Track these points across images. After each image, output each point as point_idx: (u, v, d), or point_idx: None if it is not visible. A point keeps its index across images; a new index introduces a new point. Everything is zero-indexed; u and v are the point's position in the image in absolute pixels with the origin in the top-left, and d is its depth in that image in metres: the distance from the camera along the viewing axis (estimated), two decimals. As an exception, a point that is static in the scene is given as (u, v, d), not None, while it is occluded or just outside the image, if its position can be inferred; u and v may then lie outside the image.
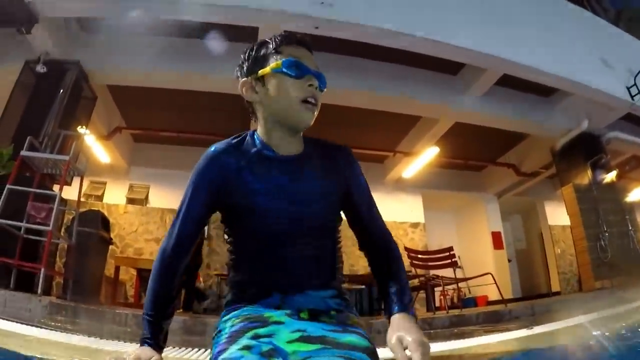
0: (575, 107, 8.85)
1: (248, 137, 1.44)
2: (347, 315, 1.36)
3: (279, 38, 1.41)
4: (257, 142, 1.42)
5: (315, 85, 1.37)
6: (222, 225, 1.46)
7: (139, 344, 1.35)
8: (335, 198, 1.43)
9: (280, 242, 1.35)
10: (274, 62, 1.37)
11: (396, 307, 1.31)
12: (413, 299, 1.46)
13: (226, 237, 1.45)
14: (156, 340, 1.35)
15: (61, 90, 6.77)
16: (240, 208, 1.36)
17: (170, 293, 1.39)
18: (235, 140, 1.42)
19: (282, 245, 1.35)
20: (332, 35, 6.71)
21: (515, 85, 8.51)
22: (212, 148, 1.40)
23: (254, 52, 1.44)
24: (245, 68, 1.44)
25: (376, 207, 1.53)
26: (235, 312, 1.34)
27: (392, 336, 1.17)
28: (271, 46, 1.41)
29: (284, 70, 1.35)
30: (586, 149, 9.05)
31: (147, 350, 1.31)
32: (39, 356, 2.54)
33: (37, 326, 3.70)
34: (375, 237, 1.49)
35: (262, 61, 1.40)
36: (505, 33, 7.22)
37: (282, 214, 1.34)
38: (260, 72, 1.39)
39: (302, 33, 1.46)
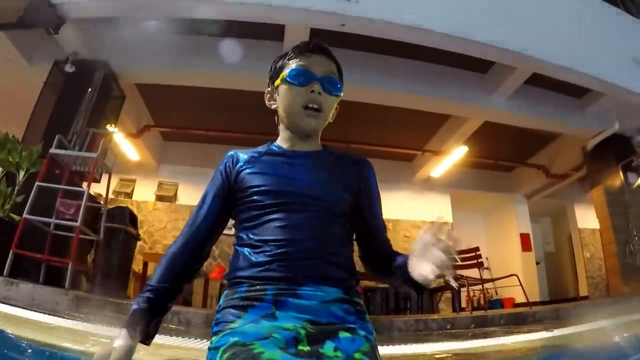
0: (607, 108, 8.61)
1: (265, 145, 1.54)
2: (355, 338, 1.22)
3: (295, 49, 1.49)
4: (271, 144, 1.53)
5: (318, 90, 1.41)
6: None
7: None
8: (341, 189, 1.41)
9: (281, 226, 1.30)
10: (282, 74, 1.46)
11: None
12: None
13: (233, 234, 1.43)
14: (134, 321, 1.27)
15: (89, 90, 6.90)
16: (242, 195, 1.39)
17: (182, 274, 1.40)
18: (252, 148, 1.53)
19: (283, 228, 1.30)
20: (359, 32, 6.69)
21: (546, 84, 8.34)
22: (231, 150, 1.52)
23: (275, 64, 1.54)
24: (269, 78, 1.55)
25: (383, 221, 1.54)
26: (224, 335, 1.20)
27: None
28: (287, 57, 1.49)
29: (288, 79, 1.43)
30: (617, 151, 8.82)
31: (118, 343, 1.22)
32: (63, 344, 2.59)
33: (62, 317, 3.78)
34: (379, 247, 1.48)
35: (279, 72, 1.49)
36: (535, 31, 7.06)
37: (282, 195, 1.34)
38: (276, 82, 1.48)
39: (318, 42, 1.51)
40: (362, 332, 1.24)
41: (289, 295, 1.23)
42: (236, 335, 1.17)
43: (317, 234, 1.31)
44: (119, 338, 1.23)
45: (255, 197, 1.36)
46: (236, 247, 1.37)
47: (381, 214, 1.53)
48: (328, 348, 1.16)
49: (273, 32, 6.96)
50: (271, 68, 1.54)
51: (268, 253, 1.27)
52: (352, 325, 1.25)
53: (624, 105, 8.28)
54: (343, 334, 1.21)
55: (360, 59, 7.69)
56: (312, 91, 1.41)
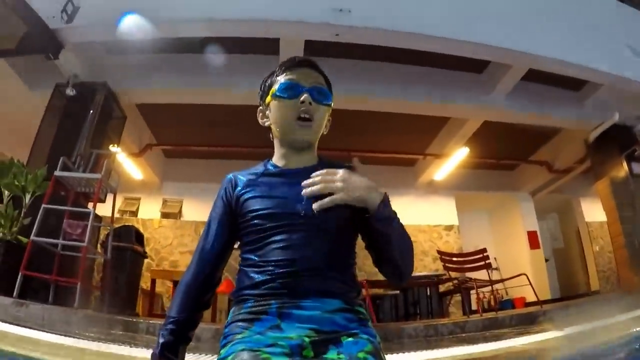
0: (606, 99, 8.60)
1: (262, 163, 1.58)
2: (357, 341, 1.26)
3: (281, 66, 1.54)
4: (268, 163, 1.56)
5: (307, 101, 1.44)
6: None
7: None
8: (339, 207, 1.36)
9: (282, 247, 1.33)
10: (274, 88, 1.50)
11: None
12: (394, 215, 1.33)
13: (239, 256, 1.48)
14: (164, 353, 1.36)
15: (91, 111, 6.98)
16: (243, 220, 1.42)
17: (198, 300, 1.44)
18: (249, 168, 1.56)
19: (284, 249, 1.33)
20: (353, 41, 6.77)
21: (543, 79, 8.36)
22: (229, 174, 1.55)
23: (264, 83, 1.58)
24: (259, 97, 1.60)
25: None
26: (232, 345, 1.25)
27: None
28: (275, 74, 1.54)
29: (278, 94, 1.48)
30: (620, 142, 8.76)
31: None
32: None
33: (73, 337, 3.81)
34: None
35: (268, 89, 1.54)
36: (527, 26, 7.11)
37: (281, 218, 1.36)
38: (267, 99, 1.53)
39: (302, 57, 1.55)
40: (364, 336, 1.28)
41: (292, 307, 1.28)
42: (243, 344, 1.22)
43: (316, 252, 1.33)
44: None
45: (256, 221, 1.38)
46: (241, 267, 1.41)
47: None
48: (332, 353, 1.21)
49: (268, 46, 7.03)
50: (261, 87, 1.59)
51: (270, 272, 1.31)
52: (355, 331, 1.29)
53: (623, 95, 8.28)
54: (346, 339, 1.25)
55: (356, 68, 7.76)
56: (303, 102, 1.44)
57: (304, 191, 1.26)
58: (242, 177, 1.51)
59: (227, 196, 1.49)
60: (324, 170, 1.28)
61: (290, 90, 1.46)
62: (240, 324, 1.30)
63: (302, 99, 1.43)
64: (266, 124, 1.55)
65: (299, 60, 1.53)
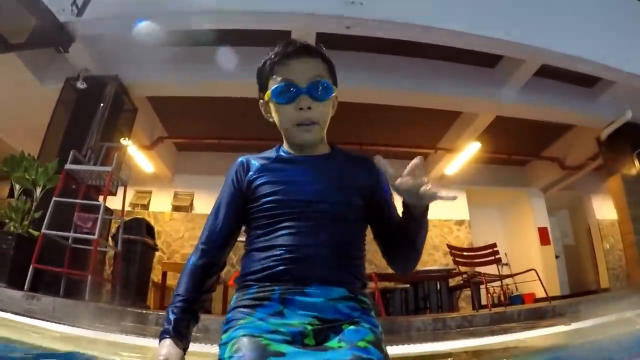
0: (619, 96, 8.50)
1: (274, 149, 1.53)
2: (359, 329, 1.26)
3: (272, 57, 1.44)
4: (280, 148, 1.52)
5: (306, 105, 1.38)
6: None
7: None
8: (352, 193, 1.40)
9: (289, 234, 1.32)
10: (268, 89, 1.43)
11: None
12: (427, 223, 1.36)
13: (245, 240, 1.47)
14: (177, 328, 1.31)
15: (102, 104, 7.01)
16: (253, 205, 1.40)
17: (204, 282, 1.42)
18: (261, 152, 1.52)
19: (291, 235, 1.32)
20: (364, 34, 6.71)
21: (556, 75, 8.25)
22: (241, 157, 1.51)
23: (259, 73, 1.50)
24: (258, 88, 1.52)
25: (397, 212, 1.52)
26: (234, 330, 1.25)
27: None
28: (267, 68, 1.45)
29: (274, 99, 1.41)
30: (632, 139, 8.71)
31: (167, 349, 1.27)
32: (85, 352, 2.64)
33: (84, 328, 3.83)
34: (393, 225, 1.44)
35: (264, 84, 1.47)
36: (541, 21, 7.02)
37: (292, 204, 1.35)
38: (265, 97, 1.46)
39: (296, 43, 1.44)
40: (366, 325, 1.27)
41: (295, 294, 1.27)
42: (245, 329, 1.22)
43: (324, 240, 1.31)
44: (167, 347, 1.28)
45: (266, 206, 1.37)
46: (247, 252, 1.40)
47: (395, 208, 1.50)
48: (332, 341, 1.21)
49: (280, 38, 6.97)
50: (257, 78, 1.51)
51: (276, 257, 1.30)
52: (357, 320, 1.28)
53: (636, 93, 8.16)
54: (347, 327, 1.25)
55: (368, 61, 7.71)
56: (301, 108, 1.38)
57: (422, 189, 1.20)
58: (255, 162, 1.47)
59: (238, 180, 1.46)
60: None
61: (286, 94, 1.39)
62: (243, 309, 1.30)
63: (300, 105, 1.37)
64: (270, 119, 1.50)
65: (292, 50, 1.42)
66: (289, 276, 1.28)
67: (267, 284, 1.30)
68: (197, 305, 1.39)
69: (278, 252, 1.30)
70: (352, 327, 1.25)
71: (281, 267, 1.29)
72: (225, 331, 1.29)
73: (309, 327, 1.23)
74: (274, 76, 1.42)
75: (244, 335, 1.19)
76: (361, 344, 1.18)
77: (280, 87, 1.39)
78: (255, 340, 1.16)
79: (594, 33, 7.36)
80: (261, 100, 1.51)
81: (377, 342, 1.22)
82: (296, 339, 1.21)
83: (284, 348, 1.15)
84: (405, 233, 1.36)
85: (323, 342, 1.21)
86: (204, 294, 1.42)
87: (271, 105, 1.45)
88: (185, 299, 1.36)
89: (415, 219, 1.30)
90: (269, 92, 1.42)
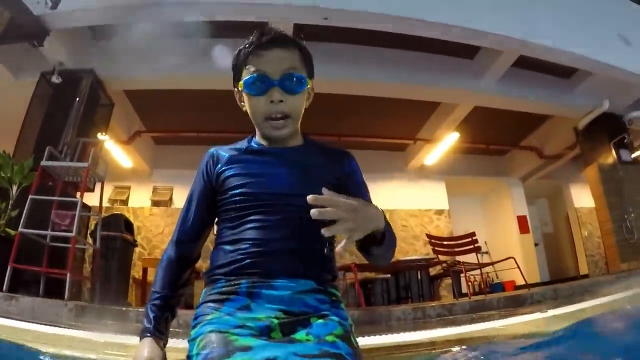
0: (596, 87, 8.63)
1: (246, 139, 1.53)
2: (327, 323, 1.24)
3: (247, 47, 1.42)
4: (251, 139, 1.51)
5: (278, 98, 1.36)
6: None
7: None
8: (322, 186, 1.24)
9: (257, 227, 1.32)
10: (242, 79, 1.41)
11: None
12: (390, 235, 1.31)
13: (215, 233, 1.47)
14: (157, 327, 1.34)
15: (77, 99, 6.86)
16: (222, 197, 1.41)
17: (180, 275, 1.44)
18: (233, 144, 1.52)
19: (259, 229, 1.31)
20: (342, 25, 6.68)
21: (534, 66, 8.36)
22: (211, 148, 1.51)
23: (233, 64, 1.48)
24: (233, 77, 1.50)
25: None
26: (201, 326, 1.25)
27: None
28: (241, 58, 1.43)
29: (246, 90, 1.40)
30: (609, 130, 8.89)
31: (150, 348, 1.29)
32: (66, 352, 2.60)
33: (63, 327, 3.79)
34: None
35: (238, 73, 1.45)
36: (519, 13, 7.06)
37: (260, 197, 1.34)
38: (239, 86, 1.44)
39: (271, 32, 1.42)
40: (335, 318, 1.27)
41: (262, 287, 1.26)
42: (212, 325, 1.22)
43: (292, 233, 1.30)
44: (149, 347, 1.30)
45: (235, 199, 1.37)
46: (216, 245, 1.40)
47: (370, 201, 1.46)
48: (300, 334, 1.20)
49: (258, 29, 6.92)
50: (232, 67, 1.49)
51: (243, 251, 1.30)
52: (325, 313, 1.28)
53: (613, 83, 8.30)
54: (315, 320, 1.25)
55: (347, 52, 7.69)
56: (272, 101, 1.36)
57: (312, 213, 1.08)
58: (224, 153, 1.47)
59: (207, 172, 1.46)
60: (331, 196, 1.12)
61: (258, 86, 1.37)
62: (210, 304, 1.30)
63: (271, 98, 1.36)
64: (244, 109, 1.49)
65: (266, 40, 1.39)
66: (256, 269, 1.28)
67: (234, 277, 1.29)
68: (174, 300, 1.41)
69: (245, 246, 1.31)
70: (320, 320, 1.25)
71: (248, 261, 1.29)
72: (194, 327, 1.29)
73: (275, 321, 1.22)
74: (247, 66, 1.41)
75: (211, 332, 1.19)
76: (329, 338, 1.18)
77: (252, 78, 1.38)
78: (222, 336, 1.16)
79: (571, 24, 7.44)
80: (236, 90, 1.50)
81: (346, 336, 1.22)
82: (263, 332, 1.20)
83: (251, 342, 1.13)
84: (372, 252, 1.32)
85: (290, 335, 1.21)
86: (181, 288, 1.44)
87: (244, 96, 1.44)
88: (162, 296, 1.38)
89: (375, 247, 1.28)
90: (241, 83, 1.41)
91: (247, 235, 1.31)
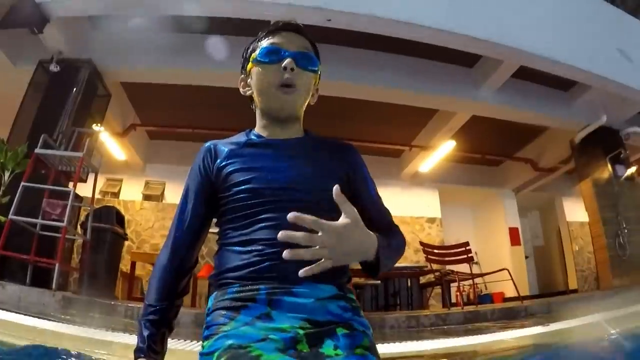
0: (594, 101, 8.67)
1: (244, 133, 1.46)
2: (353, 334, 1.18)
3: (264, 31, 1.42)
4: (250, 132, 1.44)
5: (290, 66, 1.32)
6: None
7: None
8: (330, 179, 1.20)
9: (271, 226, 1.21)
10: (254, 58, 1.38)
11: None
12: (392, 251, 1.28)
13: (217, 232, 1.37)
14: (152, 346, 1.24)
15: (74, 89, 6.81)
16: (225, 195, 1.31)
17: (178, 285, 1.34)
18: (229, 138, 1.44)
19: (273, 228, 1.19)
20: (345, 27, 6.65)
21: (533, 78, 8.36)
22: (208, 142, 1.42)
23: (245, 51, 1.46)
24: (241, 66, 1.47)
25: (384, 206, 1.47)
26: (217, 339, 1.15)
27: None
28: (257, 39, 1.42)
29: (259, 58, 1.36)
30: (605, 144, 8.90)
31: None
32: (50, 347, 2.55)
33: (50, 319, 3.73)
34: (380, 224, 1.35)
35: (250, 55, 1.42)
36: (521, 24, 7.09)
37: (267, 193, 1.26)
38: (248, 66, 1.41)
39: (288, 21, 1.43)
40: (360, 327, 1.21)
41: (283, 294, 1.17)
42: (231, 338, 1.12)
43: (309, 231, 1.19)
44: None
45: (241, 196, 1.27)
46: (222, 247, 1.30)
47: (379, 198, 1.47)
48: (328, 347, 1.12)
49: (259, 28, 6.91)
50: (243, 54, 1.47)
51: (259, 252, 1.20)
52: (350, 321, 1.21)
53: (611, 98, 8.34)
54: (341, 331, 1.17)
55: (347, 55, 7.67)
56: (285, 68, 1.32)
57: (280, 235, 1.00)
58: (223, 147, 1.38)
59: (205, 167, 1.36)
60: (307, 235, 1.02)
61: (273, 55, 1.34)
62: (224, 312, 1.19)
63: (284, 64, 1.32)
64: (247, 93, 1.44)
65: (284, 23, 1.40)
66: (274, 273, 1.18)
67: (250, 282, 1.19)
68: (171, 313, 1.31)
69: (259, 247, 1.20)
70: (346, 331, 1.17)
71: (267, 263, 1.18)
72: (206, 337, 1.19)
73: (301, 332, 1.13)
74: (262, 43, 1.39)
75: (230, 347, 1.09)
76: (358, 351, 1.13)
77: (268, 48, 1.36)
78: (244, 352, 1.06)
79: (572, 37, 7.49)
80: (242, 76, 1.46)
81: (372, 347, 1.18)
82: (288, 345, 1.10)
83: (277, 357, 1.05)
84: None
85: (317, 349, 1.11)
86: (178, 298, 1.33)
87: (254, 71, 1.38)
88: (157, 309, 1.28)
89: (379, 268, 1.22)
90: (255, 54, 1.38)
91: (260, 235, 1.22)
